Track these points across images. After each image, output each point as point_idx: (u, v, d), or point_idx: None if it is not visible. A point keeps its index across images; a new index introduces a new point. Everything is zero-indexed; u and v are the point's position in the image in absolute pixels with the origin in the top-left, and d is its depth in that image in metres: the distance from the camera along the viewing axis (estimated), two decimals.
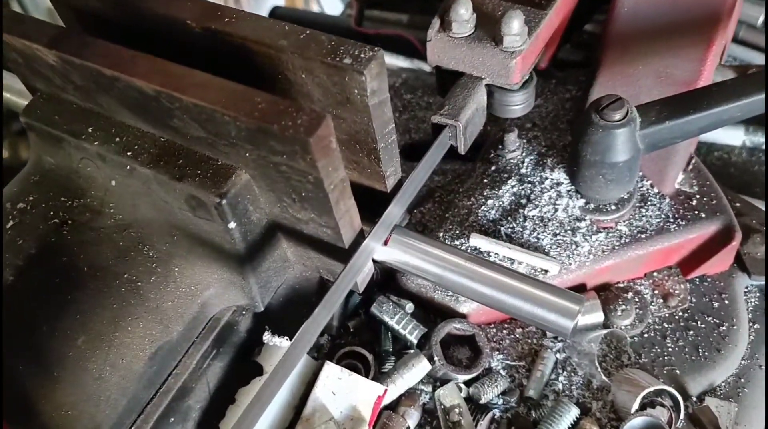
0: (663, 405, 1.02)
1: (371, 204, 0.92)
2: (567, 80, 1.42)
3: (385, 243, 0.92)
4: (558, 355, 1.11)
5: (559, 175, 1.18)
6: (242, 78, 0.75)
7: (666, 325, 1.16)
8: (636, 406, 1.00)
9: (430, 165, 0.97)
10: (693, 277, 1.22)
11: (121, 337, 0.90)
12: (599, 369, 1.07)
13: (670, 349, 1.14)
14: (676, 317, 1.17)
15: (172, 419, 0.96)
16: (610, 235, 1.14)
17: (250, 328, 1.05)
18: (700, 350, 1.13)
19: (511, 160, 1.24)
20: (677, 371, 1.11)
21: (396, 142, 0.90)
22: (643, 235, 1.14)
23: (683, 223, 1.15)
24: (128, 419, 0.91)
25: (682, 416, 1.03)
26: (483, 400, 1.07)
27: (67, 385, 0.87)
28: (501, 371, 1.11)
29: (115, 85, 0.80)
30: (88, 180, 0.97)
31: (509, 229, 1.15)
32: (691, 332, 1.15)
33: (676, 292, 1.18)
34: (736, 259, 1.23)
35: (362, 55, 0.76)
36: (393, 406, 1.07)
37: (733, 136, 1.57)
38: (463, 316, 1.14)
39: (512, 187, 1.20)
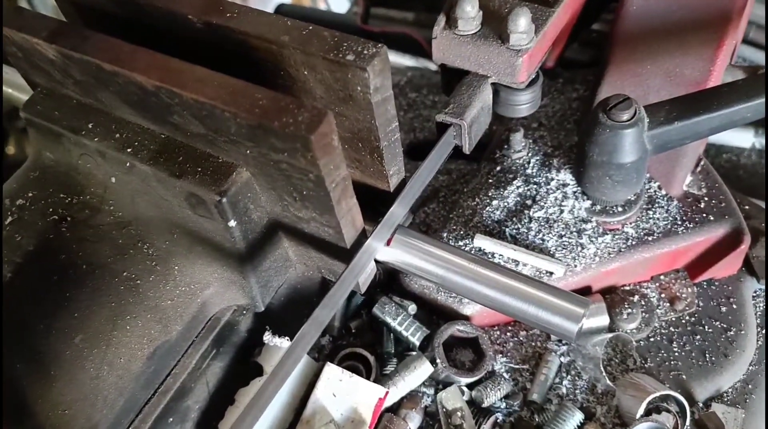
0: (669, 411, 1.01)
1: (374, 203, 0.91)
2: (574, 79, 1.41)
3: (388, 243, 0.91)
4: (562, 359, 1.10)
5: (566, 176, 1.17)
6: (243, 74, 0.74)
7: (672, 330, 1.15)
8: (641, 411, 0.99)
9: (435, 164, 0.96)
10: (700, 280, 1.21)
11: (119, 336, 0.89)
12: (604, 373, 1.06)
13: (676, 354, 1.12)
14: (683, 321, 1.16)
15: (171, 419, 0.96)
16: (617, 237, 1.13)
17: (251, 328, 1.04)
18: (707, 355, 1.12)
19: (517, 161, 1.23)
20: (684, 376, 1.10)
21: (399, 141, 0.88)
22: (650, 238, 1.13)
23: (691, 225, 1.14)
24: (126, 419, 0.90)
25: (688, 422, 1.02)
26: (486, 404, 1.06)
27: (63, 384, 0.86)
28: (504, 374, 1.10)
29: (114, 80, 0.79)
30: (87, 176, 0.96)
31: (514, 231, 1.14)
32: (698, 337, 1.14)
33: (683, 295, 1.16)
34: (745, 263, 1.22)
35: (365, 52, 0.74)
36: (394, 409, 1.06)
37: (743, 138, 1.55)
38: (467, 318, 1.13)
39: (518, 187, 1.19)
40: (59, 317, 0.89)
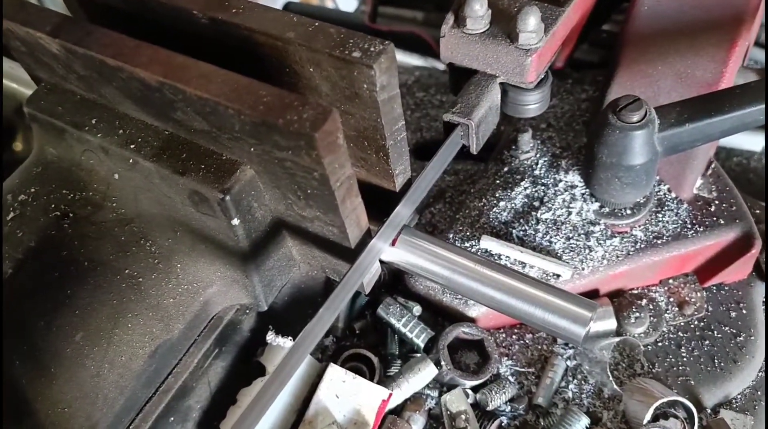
0: (676, 417, 1.00)
1: (379, 203, 0.90)
2: (583, 80, 1.40)
3: (393, 243, 0.90)
4: (568, 363, 1.09)
5: (574, 178, 1.16)
6: (248, 70, 0.73)
7: (681, 334, 1.14)
8: (648, 417, 0.98)
9: (441, 164, 0.95)
10: (710, 285, 1.20)
11: (121, 334, 0.89)
12: (611, 378, 1.05)
13: (684, 359, 1.11)
14: (692, 326, 1.15)
15: (172, 419, 0.95)
16: (625, 240, 1.12)
17: (253, 327, 1.03)
18: (716, 361, 1.11)
19: (525, 161, 1.22)
20: (692, 382, 1.09)
21: (406, 140, 0.88)
22: (659, 241, 1.12)
23: (701, 229, 1.13)
24: (126, 418, 0.90)
25: None
26: (490, 407, 1.05)
27: (63, 381, 0.85)
28: (509, 377, 1.09)
29: (118, 75, 0.79)
30: (90, 173, 0.96)
31: (521, 232, 1.13)
32: (707, 342, 1.13)
33: (692, 300, 1.15)
34: (755, 268, 1.20)
35: (372, 49, 0.73)
36: (398, 411, 1.05)
37: (753, 142, 1.54)
38: (472, 321, 1.12)
39: (525, 188, 1.18)
40: (60, 314, 0.88)
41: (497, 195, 1.19)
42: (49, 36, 0.80)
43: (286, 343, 0.99)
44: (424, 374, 1.05)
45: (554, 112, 1.32)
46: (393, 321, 1.12)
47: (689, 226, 1.13)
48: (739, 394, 1.11)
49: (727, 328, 1.14)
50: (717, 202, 1.16)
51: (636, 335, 1.11)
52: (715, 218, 1.14)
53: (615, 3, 1.34)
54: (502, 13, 0.98)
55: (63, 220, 0.94)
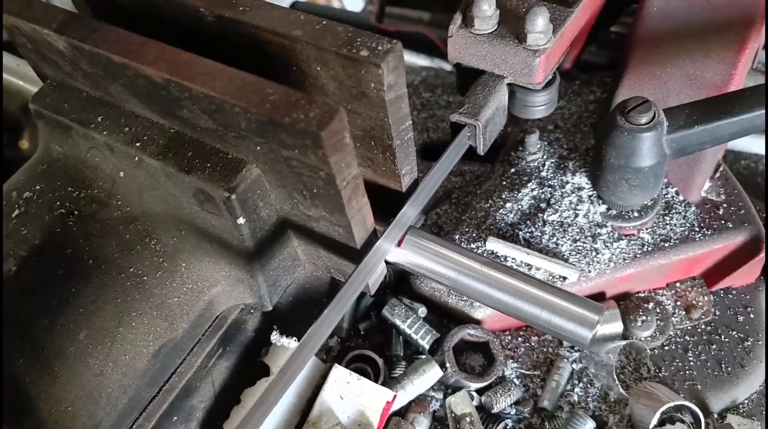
0: (683, 421, 0.99)
1: (385, 203, 0.89)
2: (591, 82, 1.39)
3: (399, 244, 0.90)
4: (574, 366, 1.09)
5: (581, 180, 1.15)
6: (255, 68, 0.72)
7: (688, 338, 1.13)
8: (654, 421, 0.98)
9: (448, 165, 0.95)
10: (717, 288, 1.19)
11: (124, 333, 0.88)
12: (617, 381, 1.04)
13: (691, 363, 1.10)
14: (699, 330, 1.14)
15: (175, 418, 0.95)
16: (632, 242, 1.11)
17: (258, 327, 1.03)
18: (723, 365, 1.10)
19: (532, 163, 1.22)
20: (699, 386, 1.08)
21: (413, 140, 0.87)
22: (666, 244, 1.11)
23: (709, 232, 1.12)
24: (129, 417, 0.89)
25: None
26: (495, 410, 1.04)
27: (66, 380, 0.85)
28: (515, 380, 1.08)
29: (124, 72, 0.78)
30: (95, 170, 0.95)
31: (527, 234, 1.13)
32: (714, 346, 1.12)
33: (700, 304, 1.14)
34: (763, 272, 1.19)
35: (379, 48, 0.73)
36: (402, 413, 1.05)
37: (762, 145, 1.53)
38: (478, 322, 1.12)
39: (532, 190, 1.17)
40: (64, 312, 0.88)
41: (504, 196, 1.18)
42: (56, 33, 0.80)
43: (291, 343, 0.99)
44: (428, 376, 1.05)
45: (562, 114, 1.32)
46: (398, 322, 1.11)
47: (697, 229, 1.13)
48: (746, 399, 1.10)
49: (734, 333, 1.14)
50: (725, 205, 1.15)
51: (642, 339, 1.11)
52: (723, 221, 1.13)
53: (624, 4, 1.33)
54: (510, 14, 0.97)
55: (68, 218, 0.94)
